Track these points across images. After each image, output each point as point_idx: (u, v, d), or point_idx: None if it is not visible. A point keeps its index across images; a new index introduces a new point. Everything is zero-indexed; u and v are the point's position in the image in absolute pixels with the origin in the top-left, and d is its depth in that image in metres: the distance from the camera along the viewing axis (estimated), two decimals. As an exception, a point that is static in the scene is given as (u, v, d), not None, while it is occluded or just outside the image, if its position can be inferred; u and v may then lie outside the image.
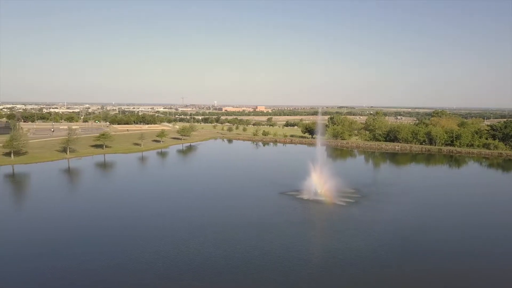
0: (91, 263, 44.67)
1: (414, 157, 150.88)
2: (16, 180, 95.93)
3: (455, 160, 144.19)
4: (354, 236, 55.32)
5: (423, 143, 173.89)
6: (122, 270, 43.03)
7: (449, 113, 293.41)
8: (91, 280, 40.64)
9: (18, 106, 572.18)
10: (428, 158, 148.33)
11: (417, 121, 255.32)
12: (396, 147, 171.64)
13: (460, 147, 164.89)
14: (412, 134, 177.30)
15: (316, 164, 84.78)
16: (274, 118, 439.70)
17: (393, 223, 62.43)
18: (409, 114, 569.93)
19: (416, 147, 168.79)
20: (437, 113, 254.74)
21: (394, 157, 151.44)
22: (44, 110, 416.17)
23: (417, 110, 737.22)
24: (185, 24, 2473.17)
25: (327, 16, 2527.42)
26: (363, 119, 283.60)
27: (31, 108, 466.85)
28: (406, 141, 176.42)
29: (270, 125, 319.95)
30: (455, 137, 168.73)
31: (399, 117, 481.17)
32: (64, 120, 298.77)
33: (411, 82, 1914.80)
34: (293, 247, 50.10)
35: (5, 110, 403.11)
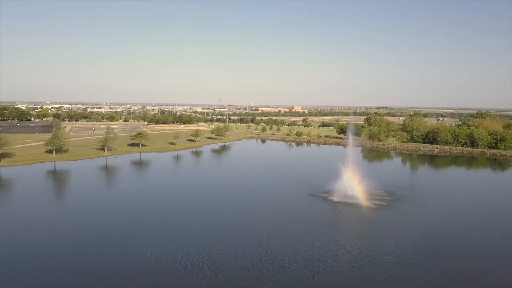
0: (110, 261, 46.04)
1: (454, 160, 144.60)
2: (56, 177, 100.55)
3: (498, 164, 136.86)
4: (382, 242, 53.35)
5: (464, 146, 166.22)
6: (139, 269, 43.64)
7: (495, 114, 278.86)
8: (109, 279, 41.89)
9: (65, 106, 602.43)
10: (470, 161, 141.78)
11: (459, 123, 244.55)
12: (435, 149, 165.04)
13: (504, 150, 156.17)
14: (453, 136, 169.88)
15: (347, 165, 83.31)
16: (310, 118, 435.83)
17: (425, 229, 59.74)
18: (452, 116, 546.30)
19: (456, 150, 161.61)
20: (480, 114, 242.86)
21: (433, 160, 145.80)
22: (89, 110, 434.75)
23: (460, 111, 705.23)
24: (218, 25, 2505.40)
25: (364, 16, 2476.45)
26: (402, 120, 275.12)
27: (76, 108, 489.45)
28: (446, 143, 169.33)
29: (305, 126, 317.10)
30: (500, 140, 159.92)
31: (440, 119, 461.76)
32: (106, 119, 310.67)
33: (454, 82, 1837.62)
34: (317, 252, 48.89)
35: (53, 109, 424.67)
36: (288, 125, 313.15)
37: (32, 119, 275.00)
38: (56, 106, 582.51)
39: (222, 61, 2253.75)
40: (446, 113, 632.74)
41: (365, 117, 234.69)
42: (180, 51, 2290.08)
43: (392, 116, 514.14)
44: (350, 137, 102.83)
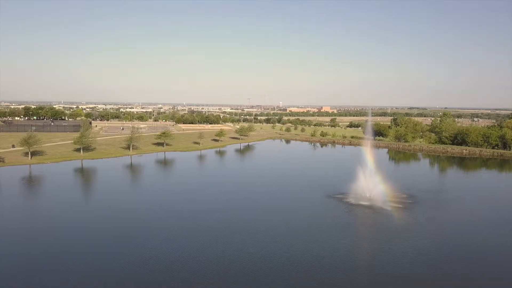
0: (121, 261, 47.53)
1: (484, 163, 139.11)
2: (80, 175, 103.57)
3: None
4: (393, 246, 51.91)
5: (495, 147, 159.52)
6: (148, 270, 44.94)
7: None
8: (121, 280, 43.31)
9: (99, 106, 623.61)
10: (501, 164, 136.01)
11: (495, 123, 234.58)
12: (464, 151, 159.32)
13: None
14: (483, 137, 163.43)
15: (366, 167, 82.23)
16: (339, 118, 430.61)
17: (441, 234, 57.64)
18: (488, 116, 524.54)
19: (486, 152, 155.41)
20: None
21: (461, 162, 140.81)
22: (121, 110, 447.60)
23: (497, 111, 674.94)
24: (251, 27, 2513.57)
25: (397, 15, 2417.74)
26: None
27: (110, 108, 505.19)
28: (476, 144, 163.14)
29: (332, 126, 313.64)
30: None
31: (476, 119, 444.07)
32: (135, 119, 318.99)
33: (491, 81, 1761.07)
34: (325, 255, 48.13)
35: (87, 109, 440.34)
36: (315, 125, 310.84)
37: (66, 119, 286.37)
38: (90, 106, 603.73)
39: (252, 62, 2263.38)
40: (482, 113, 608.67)
41: (392, 117, 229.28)
42: (213, 52, 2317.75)
43: (424, 116, 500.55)
44: (369, 136, 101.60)
